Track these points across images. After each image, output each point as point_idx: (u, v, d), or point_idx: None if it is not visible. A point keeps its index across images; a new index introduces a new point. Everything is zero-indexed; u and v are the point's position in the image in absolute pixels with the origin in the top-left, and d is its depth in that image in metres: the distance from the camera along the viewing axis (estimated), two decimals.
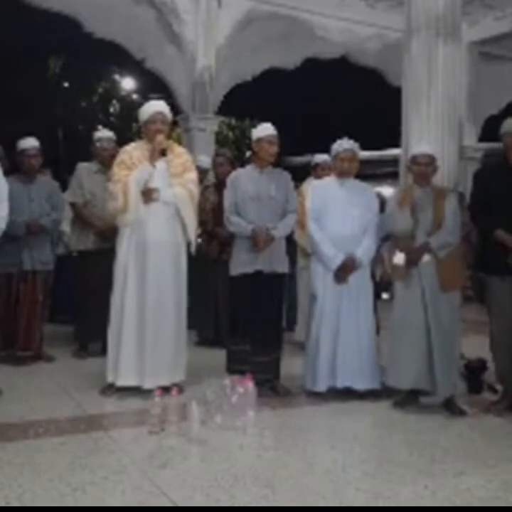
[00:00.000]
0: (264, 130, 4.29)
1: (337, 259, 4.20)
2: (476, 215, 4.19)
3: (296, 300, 5.97)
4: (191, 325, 5.53)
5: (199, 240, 5.75)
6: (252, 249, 4.19)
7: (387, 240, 9.38)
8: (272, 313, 4.30)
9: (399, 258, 4.07)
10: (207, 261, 5.64)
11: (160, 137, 4.11)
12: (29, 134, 5.24)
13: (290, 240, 4.57)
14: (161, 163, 4.15)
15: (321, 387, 4.21)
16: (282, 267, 4.34)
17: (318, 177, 5.48)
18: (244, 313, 4.26)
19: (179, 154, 4.29)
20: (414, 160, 4.14)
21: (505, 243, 3.93)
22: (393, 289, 4.38)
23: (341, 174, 4.37)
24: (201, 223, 5.63)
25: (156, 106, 4.26)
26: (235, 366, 4.23)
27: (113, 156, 4.52)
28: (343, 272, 4.21)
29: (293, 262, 5.70)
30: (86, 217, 5.28)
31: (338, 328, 4.21)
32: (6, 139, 5.60)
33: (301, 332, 5.30)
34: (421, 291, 3.98)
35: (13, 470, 2.87)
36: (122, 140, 5.45)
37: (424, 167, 4.09)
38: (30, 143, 5.06)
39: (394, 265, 4.13)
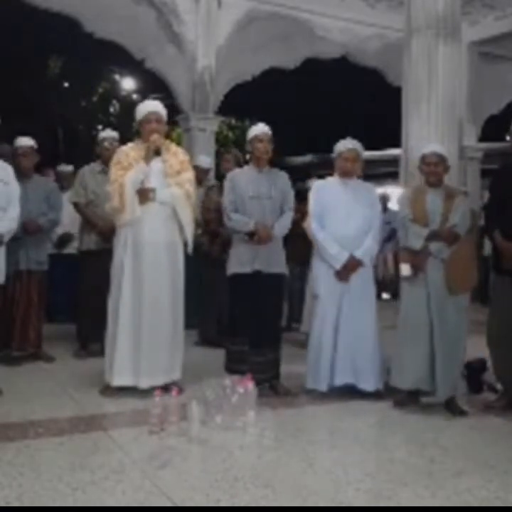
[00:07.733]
0: (255, 130, 4.35)
1: (342, 257, 4.18)
2: (487, 214, 4.19)
3: (303, 298, 5.96)
4: (194, 325, 5.52)
5: (202, 240, 5.75)
6: (251, 248, 4.19)
7: (390, 240, 9.38)
8: (270, 313, 4.30)
9: (405, 269, 4.03)
10: (209, 261, 5.64)
11: (154, 136, 4.10)
12: (29, 134, 5.24)
13: (287, 241, 4.55)
14: (156, 163, 4.14)
15: (323, 386, 4.22)
16: (280, 267, 4.34)
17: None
18: (242, 313, 4.26)
19: (175, 153, 4.28)
20: (424, 160, 4.07)
21: (498, 246, 3.95)
22: (399, 288, 4.36)
23: (344, 174, 4.36)
24: (206, 223, 5.62)
25: (150, 106, 4.26)
26: (233, 366, 4.23)
27: None
28: (345, 271, 4.21)
29: (303, 263, 5.75)
30: (88, 217, 5.28)
31: (339, 328, 4.21)
32: (6, 139, 5.60)
33: (306, 324, 5.35)
34: (426, 291, 3.95)
35: (13, 470, 2.87)
36: (122, 140, 5.46)
37: (433, 167, 4.02)
38: (22, 141, 5.06)
39: (403, 277, 4.09)
